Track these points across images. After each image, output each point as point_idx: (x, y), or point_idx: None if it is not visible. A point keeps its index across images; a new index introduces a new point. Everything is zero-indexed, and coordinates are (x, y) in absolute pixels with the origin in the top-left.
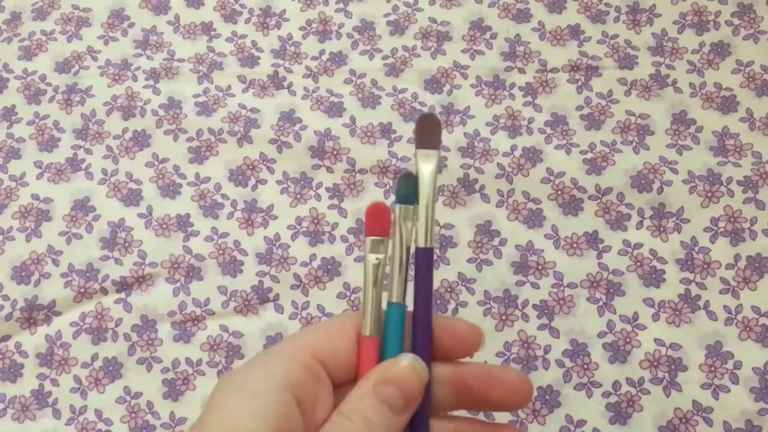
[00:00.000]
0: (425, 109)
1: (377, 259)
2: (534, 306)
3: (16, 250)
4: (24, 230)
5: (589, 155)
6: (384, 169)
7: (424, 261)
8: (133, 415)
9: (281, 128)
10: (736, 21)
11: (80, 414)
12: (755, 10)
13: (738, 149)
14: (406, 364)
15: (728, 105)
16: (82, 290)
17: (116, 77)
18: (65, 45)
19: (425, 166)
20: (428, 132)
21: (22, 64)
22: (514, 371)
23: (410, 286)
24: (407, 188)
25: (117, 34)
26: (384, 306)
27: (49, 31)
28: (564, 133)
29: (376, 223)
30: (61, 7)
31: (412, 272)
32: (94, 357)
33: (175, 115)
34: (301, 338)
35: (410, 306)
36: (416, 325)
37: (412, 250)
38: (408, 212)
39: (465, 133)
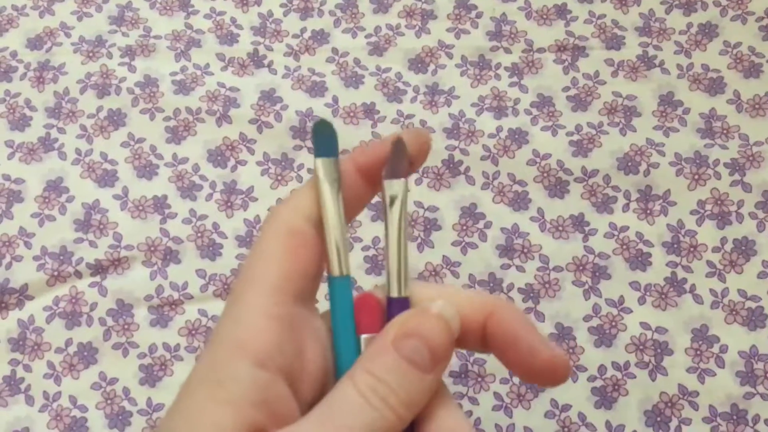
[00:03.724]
0: (408, 89)
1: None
2: (519, 289)
3: None
4: None
5: (576, 137)
6: None
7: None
8: (108, 401)
9: (261, 108)
10: (723, 2)
11: (54, 400)
12: None
13: (725, 131)
14: (434, 312)
15: (715, 87)
16: (56, 273)
17: (90, 54)
18: (37, 20)
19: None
20: (395, 158)
21: None
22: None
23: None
24: (325, 136)
25: (91, 10)
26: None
27: (20, 6)
28: (550, 114)
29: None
30: None
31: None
32: (69, 342)
33: (152, 94)
34: (260, 280)
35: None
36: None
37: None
38: (331, 165)
39: (450, 114)
